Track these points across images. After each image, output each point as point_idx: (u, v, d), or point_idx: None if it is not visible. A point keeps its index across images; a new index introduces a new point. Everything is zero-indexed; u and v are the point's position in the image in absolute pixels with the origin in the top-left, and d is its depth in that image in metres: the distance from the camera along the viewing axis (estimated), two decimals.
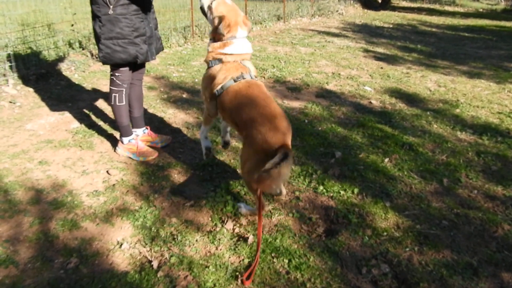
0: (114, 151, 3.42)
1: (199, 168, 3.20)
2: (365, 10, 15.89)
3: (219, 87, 2.50)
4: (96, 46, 3.13)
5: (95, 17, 2.93)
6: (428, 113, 4.49)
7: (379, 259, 2.26)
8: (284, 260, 2.23)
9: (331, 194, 2.87)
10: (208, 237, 2.41)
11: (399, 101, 4.90)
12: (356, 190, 2.92)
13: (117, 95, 3.17)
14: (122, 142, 3.36)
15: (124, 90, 3.18)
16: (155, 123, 4.03)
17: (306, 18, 12.54)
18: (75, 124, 3.92)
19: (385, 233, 2.47)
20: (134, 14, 2.95)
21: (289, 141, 2.24)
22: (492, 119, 4.33)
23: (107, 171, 3.11)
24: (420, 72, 6.27)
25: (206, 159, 3.14)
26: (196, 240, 2.39)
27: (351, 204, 2.76)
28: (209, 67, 2.63)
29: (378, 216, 2.64)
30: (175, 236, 2.41)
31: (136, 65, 3.23)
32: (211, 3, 2.62)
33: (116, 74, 3.12)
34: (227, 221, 2.55)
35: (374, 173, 3.18)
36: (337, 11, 14.19)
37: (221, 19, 2.52)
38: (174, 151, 3.49)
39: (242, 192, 2.87)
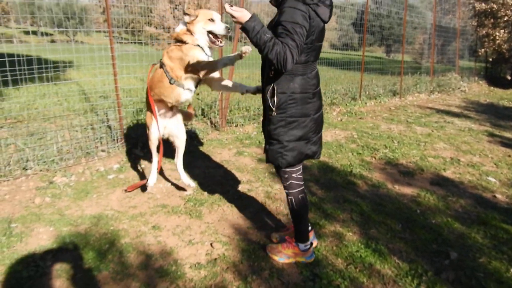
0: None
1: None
2: (492, 88, 14.88)
3: None
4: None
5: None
6: None
7: None
8: None
9: None
10: None
11: None
12: None
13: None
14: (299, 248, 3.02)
15: None
16: (261, 197, 4.10)
17: (424, 94, 12.13)
18: (188, 191, 4.17)
19: None
20: None
21: None
22: None
23: (211, 244, 3.20)
24: None
25: None
26: None
27: None
28: None
29: None
30: None
31: None
32: None
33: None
34: None
35: (498, 284, 2.79)
36: (459, 88, 13.51)
37: None
38: (277, 230, 3.48)
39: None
